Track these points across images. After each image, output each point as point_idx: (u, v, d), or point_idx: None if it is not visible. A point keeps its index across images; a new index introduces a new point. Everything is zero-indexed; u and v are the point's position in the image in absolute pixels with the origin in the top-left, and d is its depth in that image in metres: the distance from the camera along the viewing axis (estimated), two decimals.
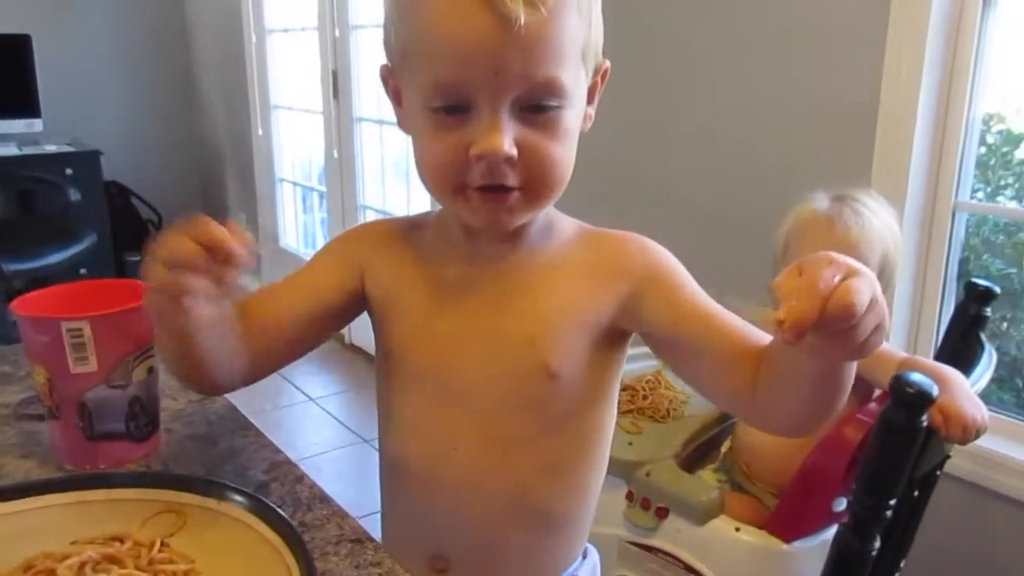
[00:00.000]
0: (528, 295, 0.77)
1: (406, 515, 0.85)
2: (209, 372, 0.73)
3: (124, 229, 4.06)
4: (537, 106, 0.68)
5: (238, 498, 0.69)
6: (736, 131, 1.88)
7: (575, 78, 0.70)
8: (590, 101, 0.75)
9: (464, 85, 0.67)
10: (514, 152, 0.68)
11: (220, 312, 0.67)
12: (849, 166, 1.66)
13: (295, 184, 4.03)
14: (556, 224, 0.81)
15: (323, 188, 3.70)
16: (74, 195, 3.56)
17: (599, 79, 0.75)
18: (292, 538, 0.63)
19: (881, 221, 1.22)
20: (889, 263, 1.23)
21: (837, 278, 0.52)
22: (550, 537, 0.83)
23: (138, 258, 4.39)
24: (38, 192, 3.75)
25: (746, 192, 1.86)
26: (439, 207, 0.82)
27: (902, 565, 1.23)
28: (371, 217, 3.39)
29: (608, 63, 0.75)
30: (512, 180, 0.69)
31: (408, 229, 0.84)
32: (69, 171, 3.63)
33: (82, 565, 0.59)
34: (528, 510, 0.80)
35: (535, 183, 0.70)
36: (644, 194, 2.06)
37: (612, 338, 0.78)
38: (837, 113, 1.69)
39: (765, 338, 0.70)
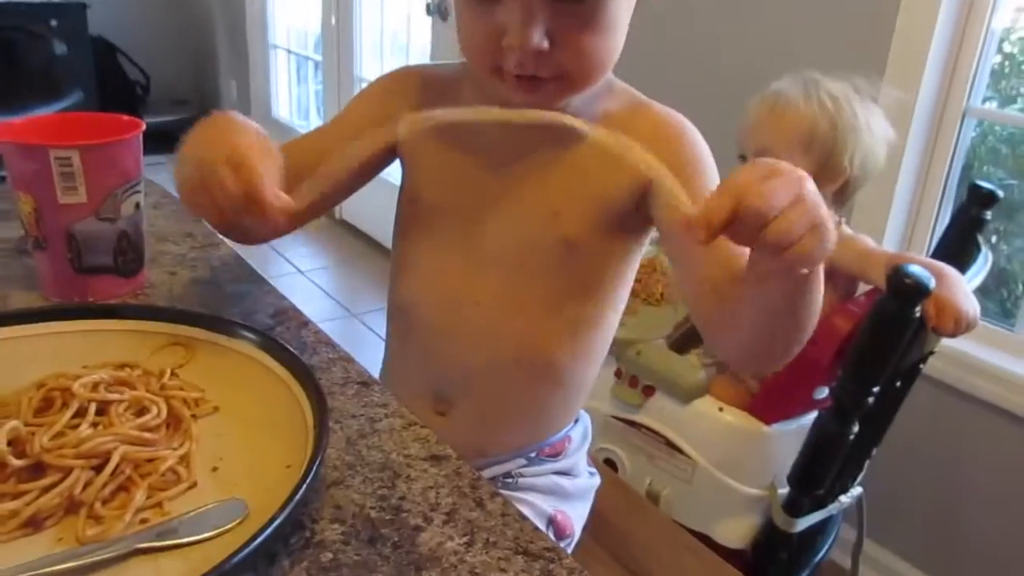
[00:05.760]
0: (558, 167, 0.77)
1: (413, 358, 0.87)
2: (247, 229, 0.74)
3: (111, 88, 3.95)
4: None
5: (248, 335, 0.69)
6: (757, 24, 1.84)
7: None
8: None
9: None
10: (544, 45, 0.66)
11: None
12: (864, 65, 1.62)
13: (289, 52, 3.91)
14: (605, 92, 0.78)
15: (319, 57, 3.59)
16: (59, 48, 3.45)
17: None
18: (303, 374, 0.64)
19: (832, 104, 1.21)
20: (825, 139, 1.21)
21: (757, 179, 0.49)
22: (553, 395, 0.85)
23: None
24: (21, 43, 3.62)
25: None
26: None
27: (873, 452, 1.28)
28: (355, 88, 3.31)
29: None
30: (545, 71, 0.68)
31: (446, 80, 0.83)
32: (54, 22, 3.49)
33: (96, 385, 0.60)
34: (536, 365, 0.82)
35: (570, 74, 0.69)
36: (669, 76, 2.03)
37: (634, 219, 0.78)
38: (856, 14, 1.64)
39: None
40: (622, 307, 0.86)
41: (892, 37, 1.58)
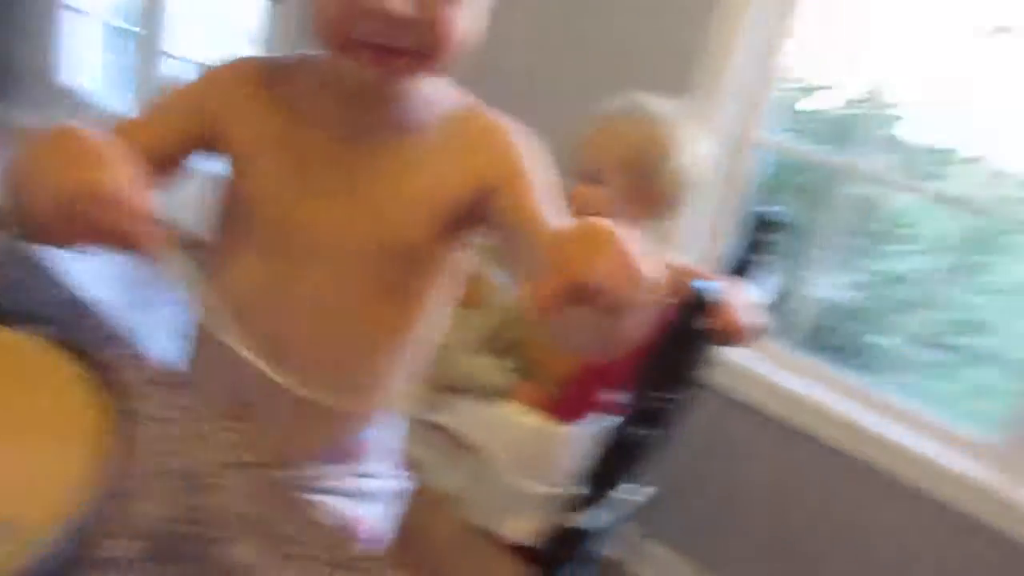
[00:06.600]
0: (391, 171, 0.76)
1: (217, 363, 0.82)
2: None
3: None
4: None
5: (30, 327, 0.63)
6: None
7: None
8: None
9: None
10: (409, 11, 0.64)
11: None
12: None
13: (93, 18, 3.58)
14: (439, 94, 0.77)
15: (132, 28, 3.32)
16: None
17: None
18: (94, 372, 0.59)
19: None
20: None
21: (578, 252, 0.53)
22: (362, 401, 0.84)
23: None
24: None
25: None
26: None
27: (659, 455, 1.37)
28: (172, 65, 3.10)
29: None
30: (404, 43, 0.66)
31: (279, 75, 0.79)
32: None
33: None
34: (348, 375, 0.81)
35: (429, 50, 0.67)
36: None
37: (468, 221, 0.78)
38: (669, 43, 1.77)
39: None
40: (444, 315, 0.86)
41: (694, 72, 1.71)
